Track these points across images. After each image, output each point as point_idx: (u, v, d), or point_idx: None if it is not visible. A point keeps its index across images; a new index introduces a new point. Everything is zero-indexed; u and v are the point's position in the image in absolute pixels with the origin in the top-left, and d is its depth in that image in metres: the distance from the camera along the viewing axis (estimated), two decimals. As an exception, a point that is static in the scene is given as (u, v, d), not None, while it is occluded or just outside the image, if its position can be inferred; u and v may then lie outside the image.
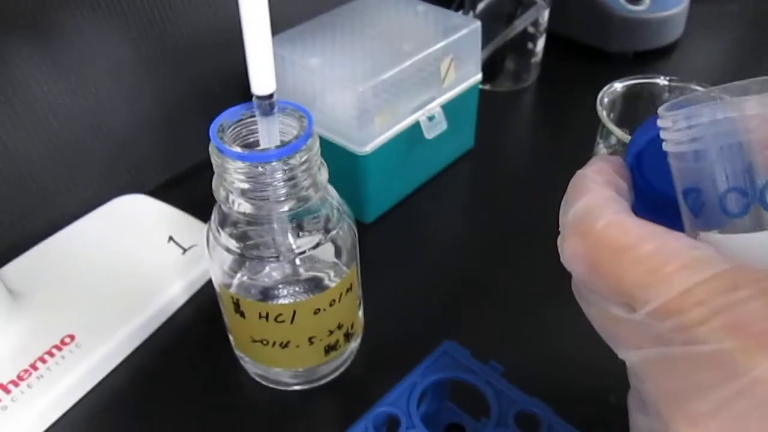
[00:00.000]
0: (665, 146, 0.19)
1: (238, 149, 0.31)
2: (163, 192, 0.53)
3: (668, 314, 0.16)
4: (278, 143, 0.31)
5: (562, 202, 0.20)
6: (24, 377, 0.38)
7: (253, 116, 0.32)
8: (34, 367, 0.39)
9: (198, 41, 0.53)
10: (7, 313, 0.40)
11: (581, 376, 0.32)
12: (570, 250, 0.19)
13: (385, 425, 0.32)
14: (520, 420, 0.31)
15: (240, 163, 0.31)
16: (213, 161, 0.32)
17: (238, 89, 0.56)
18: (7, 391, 0.37)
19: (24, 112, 0.45)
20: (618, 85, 0.42)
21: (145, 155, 0.54)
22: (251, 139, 0.33)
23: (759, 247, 0.17)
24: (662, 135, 0.18)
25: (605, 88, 0.41)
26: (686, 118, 0.18)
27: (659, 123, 0.19)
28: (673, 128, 0.18)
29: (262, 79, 0.30)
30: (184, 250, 0.46)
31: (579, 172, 0.21)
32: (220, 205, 0.34)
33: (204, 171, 0.51)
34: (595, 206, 0.19)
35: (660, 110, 0.18)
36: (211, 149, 0.31)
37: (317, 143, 0.32)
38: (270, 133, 0.31)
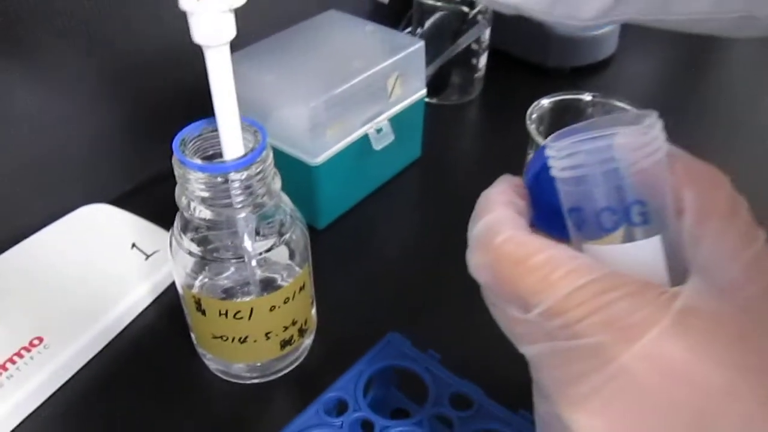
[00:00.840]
0: (552, 172, 0.22)
1: (199, 161, 0.34)
2: (125, 201, 0.56)
3: (554, 314, 0.19)
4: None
5: (470, 219, 0.23)
6: (-5, 377, 0.41)
7: (213, 131, 0.35)
8: (3, 367, 0.41)
9: (154, 59, 0.56)
10: (-22, 317, 0.43)
11: (509, 363, 0.36)
12: (475, 262, 0.22)
13: (336, 409, 0.35)
14: (454, 400, 0.35)
15: (200, 174, 0.34)
16: (176, 172, 0.35)
17: (191, 103, 0.59)
18: (-21, 390, 0.40)
19: (-10, 126, 0.47)
20: (545, 102, 0.47)
21: (107, 166, 0.56)
22: (211, 152, 0.36)
23: (627, 256, 0.21)
24: (550, 163, 0.22)
25: (534, 105, 0.46)
26: (568, 148, 0.21)
27: (547, 152, 0.22)
28: (558, 157, 0.21)
29: (234, 149, 0.34)
30: (147, 256, 0.49)
31: (484, 193, 0.24)
32: (182, 212, 0.37)
33: (164, 180, 0.54)
34: (496, 224, 0.22)
35: (547, 141, 0.22)
36: (174, 161, 0.34)
37: (271, 155, 0.35)
38: None
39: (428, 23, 0.68)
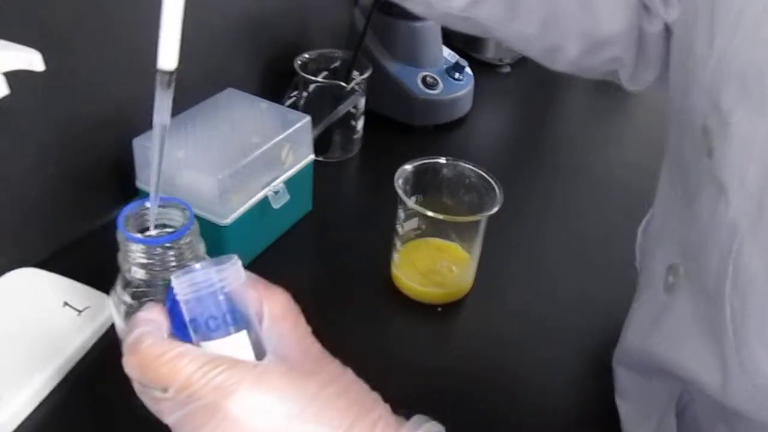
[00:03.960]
0: (177, 297, 0.33)
1: (139, 235, 0.43)
2: (50, 264, 0.62)
3: (183, 389, 0.31)
4: (168, 119, 0.39)
5: (126, 332, 0.33)
6: (-46, 426, 0.47)
7: (146, 209, 0.44)
8: (-39, 417, 0.48)
9: (75, 131, 0.63)
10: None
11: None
12: (127, 362, 0.33)
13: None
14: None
15: (140, 245, 0.43)
16: (119, 243, 0.43)
17: (112, 173, 0.66)
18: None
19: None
20: (408, 167, 0.59)
21: (30, 232, 0.63)
22: (147, 225, 0.45)
23: (226, 346, 0.32)
24: (175, 291, 0.33)
25: (399, 170, 0.58)
26: (187, 281, 0.33)
27: (173, 285, 0.33)
28: (179, 287, 0.33)
29: (168, 56, 0.36)
30: (79, 312, 0.57)
31: (135, 315, 0.34)
32: (123, 274, 0.45)
33: (84, 242, 0.62)
34: (141, 335, 0.32)
35: (172, 277, 0.33)
36: (118, 234, 0.43)
37: (197, 227, 0.45)
38: (162, 107, 0.38)
39: (311, 88, 0.79)
